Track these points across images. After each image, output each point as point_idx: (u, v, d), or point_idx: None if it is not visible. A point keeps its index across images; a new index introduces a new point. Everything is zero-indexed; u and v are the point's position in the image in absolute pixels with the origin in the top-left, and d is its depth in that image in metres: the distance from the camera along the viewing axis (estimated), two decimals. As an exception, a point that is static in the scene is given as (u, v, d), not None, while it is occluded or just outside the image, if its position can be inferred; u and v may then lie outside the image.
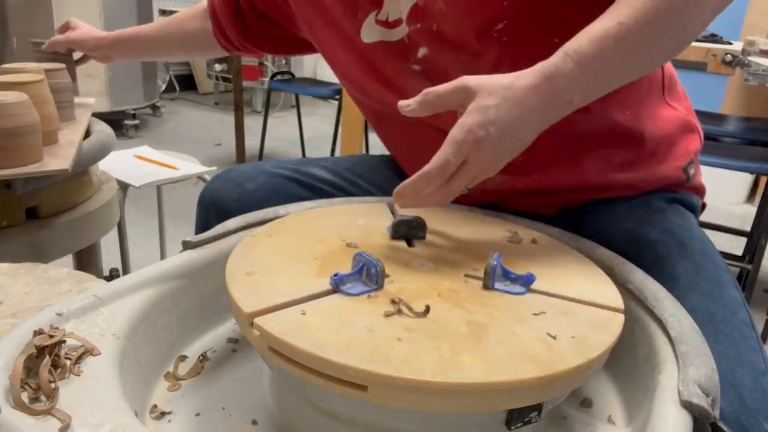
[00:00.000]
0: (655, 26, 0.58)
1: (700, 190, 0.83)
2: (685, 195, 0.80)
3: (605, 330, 0.48)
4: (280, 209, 0.71)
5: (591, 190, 0.77)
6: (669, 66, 0.83)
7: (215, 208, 0.85)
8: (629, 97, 0.75)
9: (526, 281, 0.54)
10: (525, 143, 0.59)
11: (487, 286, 0.54)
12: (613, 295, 0.54)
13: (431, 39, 0.76)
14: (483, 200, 0.79)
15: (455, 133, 0.55)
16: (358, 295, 0.51)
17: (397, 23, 0.79)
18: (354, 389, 0.42)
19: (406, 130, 0.83)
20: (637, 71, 0.64)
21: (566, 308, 0.51)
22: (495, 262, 0.54)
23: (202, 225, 0.86)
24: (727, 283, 0.63)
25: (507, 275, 0.55)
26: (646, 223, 0.71)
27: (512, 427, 0.45)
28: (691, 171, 0.80)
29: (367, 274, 0.53)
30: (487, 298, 0.52)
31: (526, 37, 0.69)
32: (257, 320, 0.46)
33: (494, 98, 0.56)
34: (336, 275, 0.51)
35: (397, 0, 0.78)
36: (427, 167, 0.55)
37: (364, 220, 0.67)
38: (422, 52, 0.78)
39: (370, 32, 0.83)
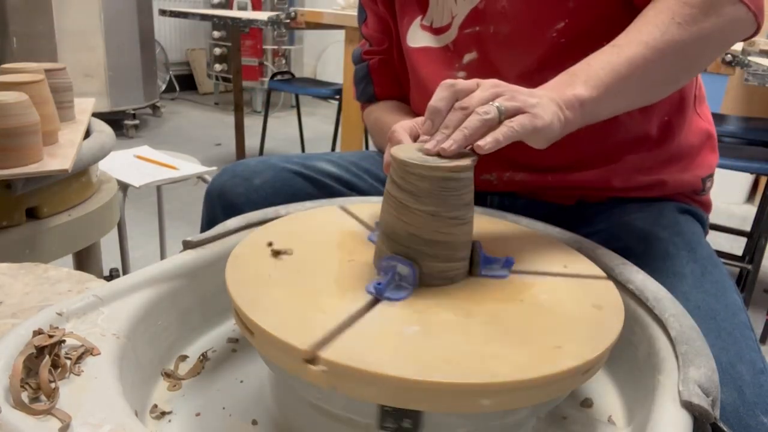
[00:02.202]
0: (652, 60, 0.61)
1: (707, 206, 0.85)
2: (696, 209, 0.82)
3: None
4: (281, 209, 0.71)
5: (614, 190, 0.79)
6: (699, 75, 0.85)
7: (221, 202, 0.85)
8: (670, 104, 0.77)
9: (507, 264, 0.57)
10: (538, 97, 0.58)
11: (475, 273, 0.55)
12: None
13: (485, 42, 0.77)
14: (505, 189, 0.81)
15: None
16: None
17: (443, 29, 0.80)
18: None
19: None
20: (648, 84, 0.65)
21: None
22: (480, 249, 0.56)
23: (209, 219, 0.86)
24: (730, 288, 0.64)
25: (489, 262, 0.57)
26: (657, 224, 0.72)
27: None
28: (708, 184, 0.83)
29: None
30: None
31: (581, 38, 0.71)
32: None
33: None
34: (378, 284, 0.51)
35: (442, 6, 0.78)
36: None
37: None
38: (469, 57, 0.78)
39: (414, 36, 0.83)
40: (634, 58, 0.61)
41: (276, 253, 0.56)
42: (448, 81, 0.57)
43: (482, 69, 0.78)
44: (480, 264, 0.56)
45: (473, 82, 0.57)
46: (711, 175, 0.83)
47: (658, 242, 0.69)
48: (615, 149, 0.77)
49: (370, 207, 0.70)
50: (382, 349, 0.43)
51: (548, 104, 0.56)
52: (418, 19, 0.83)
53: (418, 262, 0.52)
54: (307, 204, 0.74)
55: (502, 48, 0.76)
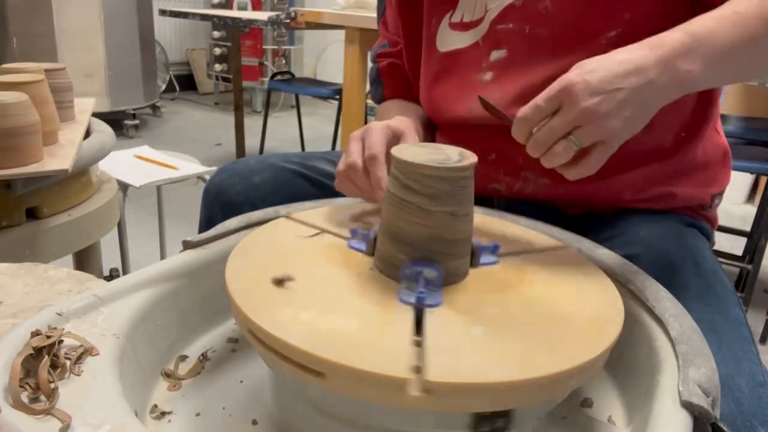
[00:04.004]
0: None
1: (713, 221, 0.84)
2: (702, 223, 0.81)
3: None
4: (281, 209, 0.71)
5: (623, 201, 0.79)
6: (721, 92, 0.84)
7: (220, 200, 0.85)
8: (685, 118, 0.76)
9: (494, 250, 0.58)
10: (645, 105, 0.55)
11: (474, 263, 0.56)
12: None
13: (518, 41, 0.74)
14: (513, 197, 0.80)
15: (551, 84, 0.55)
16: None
17: (474, 24, 0.78)
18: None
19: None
20: (756, 65, 0.62)
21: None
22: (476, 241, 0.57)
23: (207, 217, 0.86)
24: (733, 303, 0.64)
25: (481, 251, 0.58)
26: (663, 237, 0.72)
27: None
28: (716, 201, 0.82)
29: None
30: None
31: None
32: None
33: (595, 60, 0.55)
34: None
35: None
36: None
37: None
38: (497, 55, 0.76)
39: (444, 39, 0.81)
40: (756, 37, 0.58)
41: (279, 282, 0.51)
42: (554, 86, 0.54)
43: (511, 69, 0.76)
44: (479, 255, 0.57)
45: (553, 100, 0.54)
46: (721, 193, 0.82)
47: (663, 254, 0.68)
48: (627, 159, 0.75)
49: (315, 214, 0.68)
50: (471, 358, 0.43)
51: (638, 112, 0.55)
52: (447, 16, 0.81)
53: (440, 263, 0.52)
54: (307, 204, 0.74)
55: (538, 49, 0.73)
